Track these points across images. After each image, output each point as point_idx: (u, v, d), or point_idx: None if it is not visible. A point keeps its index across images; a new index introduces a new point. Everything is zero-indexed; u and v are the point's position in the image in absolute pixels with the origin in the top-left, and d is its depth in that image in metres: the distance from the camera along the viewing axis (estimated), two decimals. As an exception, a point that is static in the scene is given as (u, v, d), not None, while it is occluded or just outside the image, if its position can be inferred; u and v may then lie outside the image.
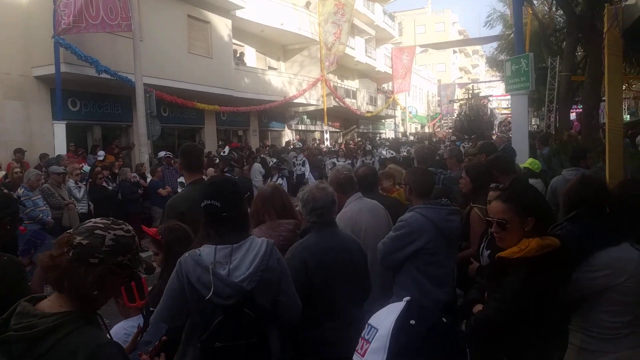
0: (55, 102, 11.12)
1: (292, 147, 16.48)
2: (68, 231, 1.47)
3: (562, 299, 2.27)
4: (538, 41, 17.74)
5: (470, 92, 32.38)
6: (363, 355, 0.96)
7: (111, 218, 1.55)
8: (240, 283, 1.99)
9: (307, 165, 13.71)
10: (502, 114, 42.46)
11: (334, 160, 13.93)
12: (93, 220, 1.50)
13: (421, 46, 34.81)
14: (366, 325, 1.00)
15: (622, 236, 2.30)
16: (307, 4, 22.36)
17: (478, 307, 2.30)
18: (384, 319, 0.97)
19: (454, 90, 45.81)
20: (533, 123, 26.72)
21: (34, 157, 10.39)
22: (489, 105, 32.38)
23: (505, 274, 2.17)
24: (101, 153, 11.24)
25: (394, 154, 11.76)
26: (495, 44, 26.04)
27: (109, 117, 13.53)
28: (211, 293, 1.93)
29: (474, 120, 22.69)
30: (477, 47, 71.46)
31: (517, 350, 2.12)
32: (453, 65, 63.48)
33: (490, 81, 47.90)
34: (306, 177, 12.78)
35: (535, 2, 19.47)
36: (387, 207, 3.64)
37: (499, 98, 46.48)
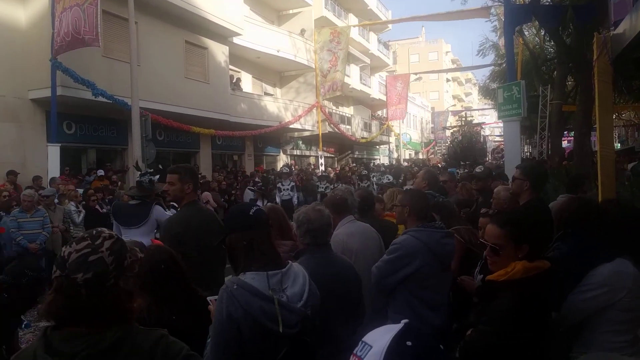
0: (50, 125, 11.12)
1: (278, 171, 16.17)
2: (58, 274, 1.37)
3: (562, 326, 2.25)
4: (529, 70, 18.10)
5: (464, 119, 32.76)
6: None
7: (76, 236, 1.48)
8: (303, 309, 1.88)
9: (295, 191, 13.44)
10: (495, 141, 42.91)
11: (327, 185, 13.80)
12: (66, 249, 1.40)
13: (415, 73, 35.35)
14: (360, 342, 0.99)
15: (615, 252, 2.30)
16: (302, 32, 22.75)
17: (470, 332, 2.28)
18: (380, 338, 0.97)
19: (447, 118, 46.41)
20: (525, 150, 27.00)
21: (27, 180, 10.31)
22: (482, 132, 32.73)
23: (494, 297, 2.16)
24: (100, 171, 11.26)
25: (391, 179, 11.69)
26: (487, 73, 26.57)
27: (104, 140, 13.53)
28: (282, 325, 1.78)
29: (467, 147, 22.85)
30: (470, 76, 72.86)
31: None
32: (446, 93, 64.49)
33: (483, 109, 48.61)
34: (294, 202, 12.45)
35: (526, 32, 19.95)
36: (382, 230, 3.63)
37: (491, 125, 47.07)
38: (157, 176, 5.25)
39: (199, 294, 2.42)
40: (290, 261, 2.06)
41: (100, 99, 11.09)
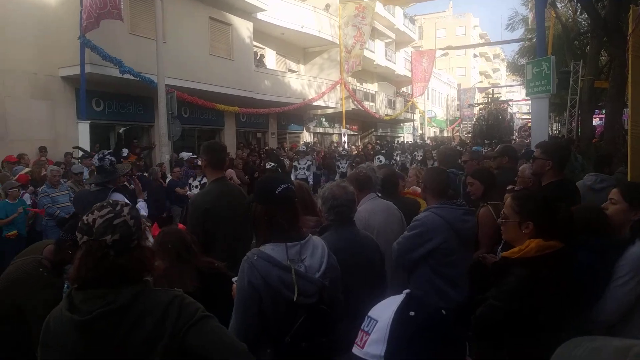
0: (80, 102, 11.38)
1: (296, 150, 15.85)
2: (86, 239, 1.49)
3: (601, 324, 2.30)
4: (561, 45, 17.50)
5: (490, 96, 32.04)
6: (362, 347, 0.97)
7: (96, 205, 1.56)
8: (320, 279, 1.95)
9: (312, 170, 13.15)
10: (522, 119, 41.91)
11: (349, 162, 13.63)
12: (89, 217, 1.51)
13: (441, 49, 34.55)
14: (366, 318, 1.01)
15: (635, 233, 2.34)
16: (327, 7, 22.43)
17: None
18: (384, 311, 0.98)
19: (474, 95, 45.40)
20: (554, 128, 26.32)
21: (59, 156, 10.65)
22: (509, 110, 31.98)
23: (507, 273, 2.20)
24: (125, 150, 11.49)
25: (385, 161, 11.18)
26: (516, 48, 25.76)
27: (131, 117, 13.79)
28: (297, 294, 1.86)
29: (493, 125, 22.44)
30: (498, 51, 70.83)
31: (520, 350, 2.13)
32: (473, 70, 62.92)
33: (510, 85, 47.35)
34: (310, 182, 12.25)
35: (558, 5, 19.23)
36: (406, 208, 3.65)
37: (519, 103, 45.88)
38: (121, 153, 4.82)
39: (216, 270, 2.53)
40: (310, 234, 2.12)
41: (127, 76, 11.26)
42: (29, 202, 7.52)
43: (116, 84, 12.11)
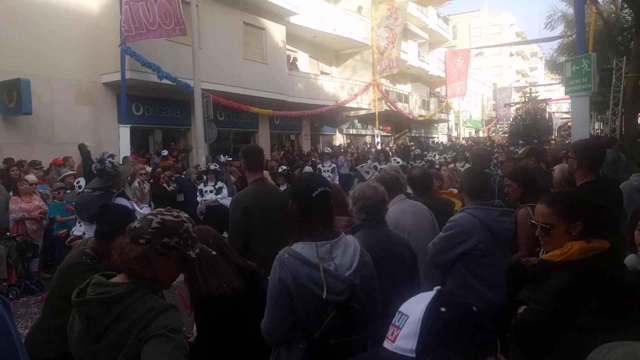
0: (121, 107, 11.80)
1: (318, 152, 15.75)
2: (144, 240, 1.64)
3: None
4: (602, 41, 16.90)
5: (528, 95, 31.14)
6: (393, 341, 0.98)
7: (168, 207, 1.74)
8: (350, 278, 1.98)
9: (337, 173, 12.80)
10: (562, 118, 40.61)
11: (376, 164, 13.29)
12: (152, 217, 1.66)
13: (476, 48, 33.93)
14: (397, 313, 1.02)
15: None
16: (359, 9, 22.43)
17: (521, 309, 2.28)
18: (415, 306, 0.99)
19: (511, 94, 44.32)
20: (596, 127, 25.41)
21: (100, 159, 11.06)
22: (548, 109, 31.03)
23: (548, 276, 2.14)
24: (165, 152, 11.85)
25: (401, 162, 10.54)
26: (555, 46, 25.00)
27: (169, 120, 14.19)
28: (326, 292, 1.90)
29: (531, 125, 21.78)
30: (536, 49, 68.88)
31: (560, 355, 2.08)
32: (510, 69, 61.41)
33: (549, 84, 45.94)
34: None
35: (600, 0, 18.59)
36: (439, 209, 3.63)
37: (558, 101, 44.49)
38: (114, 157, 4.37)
39: (248, 268, 2.58)
40: (342, 233, 2.15)
41: (165, 81, 11.61)
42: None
43: (154, 88, 12.49)
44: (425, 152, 16.90)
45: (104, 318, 1.52)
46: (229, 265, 2.53)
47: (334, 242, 2.03)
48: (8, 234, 7.13)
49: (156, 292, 1.67)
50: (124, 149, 11.09)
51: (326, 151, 13.73)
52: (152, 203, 9.07)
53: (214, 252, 1.77)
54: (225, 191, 9.20)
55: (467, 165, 8.35)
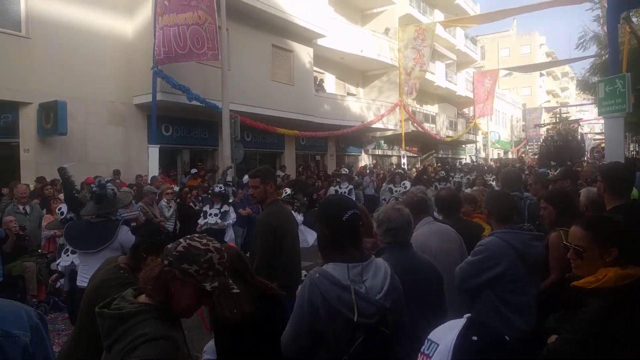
0: (151, 128, 12.10)
1: (337, 172, 14.92)
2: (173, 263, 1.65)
3: None
4: (636, 60, 16.48)
5: (559, 116, 30.60)
6: None
7: (205, 234, 1.74)
8: (381, 301, 1.96)
9: (353, 194, 12.37)
10: (594, 139, 39.58)
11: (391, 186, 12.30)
12: (189, 241, 1.66)
13: (505, 69, 33.65)
14: (426, 341, 1.01)
15: None
16: (387, 30, 22.60)
17: (552, 338, 2.17)
18: (445, 335, 0.98)
19: (541, 114, 43.57)
20: (631, 149, 24.65)
21: (130, 177, 11.33)
22: (580, 130, 30.27)
23: (581, 304, 2.04)
24: (194, 170, 12.06)
25: (408, 186, 10.04)
26: (587, 66, 24.52)
27: (197, 141, 14.47)
28: (356, 314, 1.88)
29: (562, 146, 21.29)
30: (567, 69, 67.81)
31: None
32: (540, 89, 60.53)
33: (581, 104, 44.98)
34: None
35: (634, 19, 18.19)
36: (467, 232, 3.54)
37: (591, 122, 43.47)
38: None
39: (268, 291, 2.54)
40: (372, 255, 2.13)
41: (194, 102, 11.88)
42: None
43: (184, 109, 12.78)
44: (452, 174, 16.59)
45: (113, 333, 1.55)
46: (246, 287, 2.50)
47: (365, 265, 2.02)
48: (40, 251, 7.31)
49: (169, 318, 1.62)
50: (153, 168, 11.32)
51: (343, 172, 13.16)
52: (177, 222, 9.19)
53: (236, 290, 1.69)
54: (233, 216, 8.76)
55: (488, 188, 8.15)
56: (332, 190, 12.51)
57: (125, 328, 1.53)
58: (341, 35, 19.03)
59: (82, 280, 3.89)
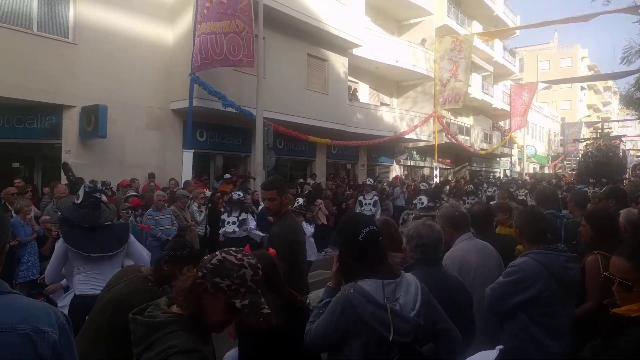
0: (186, 133, 12.36)
1: (361, 183, 14.64)
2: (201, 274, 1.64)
3: None
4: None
5: (600, 131, 29.56)
6: None
7: (240, 249, 1.70)
8: (415, 318, 1.93)
9: (379, 205, 11.90)
10: (637, 155, 38.05)
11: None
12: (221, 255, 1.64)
13: (544, 82, 32.84)
14: None
15: None
16: (423, 41, 22.44)
17: None
18: None
19: (580, 129, 42.25)
20: (678, 168, 23.50)
21: (164, 181, 11.59)
22: (622, 146, 29.14)
23: (621, 333, 1.94)
24: (227, 175, 12.26)
25: (428, 203, 9.87)
26: (631, 81, 23.65)
27: (230, 147, 14.68)
28: (392, 333, 1.85)
29: (603, 162, 20.52)
30: (610, 83, 65.59)
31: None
32: (580, 103, 58.73)
33: (624, 120, 43.39)
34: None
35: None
36: (501, 247, 3.46)
37: (634, 138, 41.84)
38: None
39: (298, 304, 2.52)
40: (403, 271, 2.10)
41: (229, 109, 12.07)
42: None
43: (219, 116, 13.00)
44: (481, 188, 16.12)
45: (144, 341, 1.55)
46: (278, 298, 2.48)
47: (398, 282, 2.00)
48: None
49: (200, 330, 1.60)
50: (186, 173, 11.55)
51: (367, 182, 12.46)
52: (208, 227, 9.32)
53: (267, 310, 1.61)
54: (253, 223, 8.62)
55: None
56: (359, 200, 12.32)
57: (157, 337, 1.52)
58: (377, 45, 19.00)
59: (92, 289, 3.65)
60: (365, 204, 11.57)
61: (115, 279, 2.66)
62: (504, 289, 2.86)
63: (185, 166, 11.74)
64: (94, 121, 10.54)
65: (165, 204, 8.36)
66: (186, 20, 12.40)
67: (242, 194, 8.71)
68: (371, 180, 13.05)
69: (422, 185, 12.71)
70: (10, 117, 10.54)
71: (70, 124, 10.90)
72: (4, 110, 10.35)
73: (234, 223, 8.38)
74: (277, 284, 2.49)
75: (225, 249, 1.64)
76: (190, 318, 1.57)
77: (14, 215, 6.90)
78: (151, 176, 11.48)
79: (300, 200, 8.39)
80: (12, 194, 7.84)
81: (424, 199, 10.04)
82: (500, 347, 0.96)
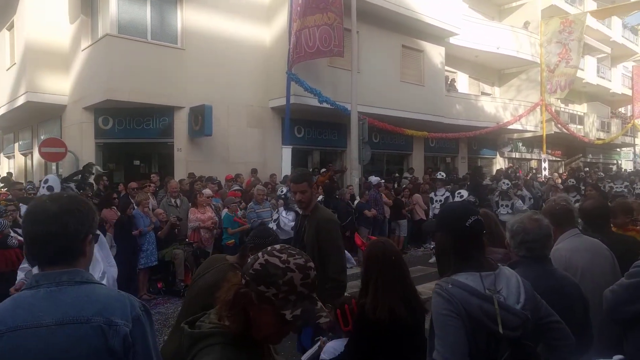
0: (285, 129, 12.78)
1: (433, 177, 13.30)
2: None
3: None
4: None
5: None
6: None
7: (288, 245, 1.42)
8: (523, 311, 1.84)
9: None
10: None
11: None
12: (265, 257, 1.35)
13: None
14: None
15: None
16: (526, 24, 20.94)
17: None
18: None
19: None
20: None
21: (265, 176, 12.11)
22: None
23: None
24: (323, 170, 12.51)
25: (464, 195, 8.93)
26: None
27: (326, 142, 14.92)
28: (501, 326, 1.75)
29: None
30: None
31: None
32: None
33: None
34: None
35: None
36: (623, 250, 3.06)
37: None
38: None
39: (418, 298, 2.46)
40: (500, 265, 1.97)
41: (325, 105, 12.26)
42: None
43: (315, 112, 13.26)
44: (606, 182, 14.60)
45: (189, 352, 1.37)
46: (404, 289, 2.44)
47: (497, 274, 1.88)
48: (187, 240, 8.18)
49: (246, 345, 1.35)
50: (285, 168, 11.94)
51: (439, 177, 11.32)
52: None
53: (325, 319, 1.32)
54: (291, 216, 8.38)
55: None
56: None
57: (194, 352, 1.34)
58: (475, 32, 18.07)
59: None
60: (436, 201, 10.49)
61: (203, 269, 2.73)
62: (628, 293, 2.52)
63: (284, 162, 12.15)
64: (200, 121, 11.31)
65: (266, 198, 8.73)
66: (281, 19, 12.80)
67: (285, 191, 8.65)
68: (442, 174, 12.02)
69: (439, 174, 11.64)
70: (130, 119, 11.68)
71: (181, 124, 11.80)
72: (124, 113, 11.50)
73: (292, 220, 8.22)
74: (400, 275, 2.48)
75: (269, 248, 1.35)
76: (237, 332, 1.33)
77: (135, 207, 7.67)
78: (254, 171, 12.06)
79: (284, 189, 8.61)
80: (133, 188, 8.71)
81: (464, 193, 9.23)
82: (620, 357, 0.85)
